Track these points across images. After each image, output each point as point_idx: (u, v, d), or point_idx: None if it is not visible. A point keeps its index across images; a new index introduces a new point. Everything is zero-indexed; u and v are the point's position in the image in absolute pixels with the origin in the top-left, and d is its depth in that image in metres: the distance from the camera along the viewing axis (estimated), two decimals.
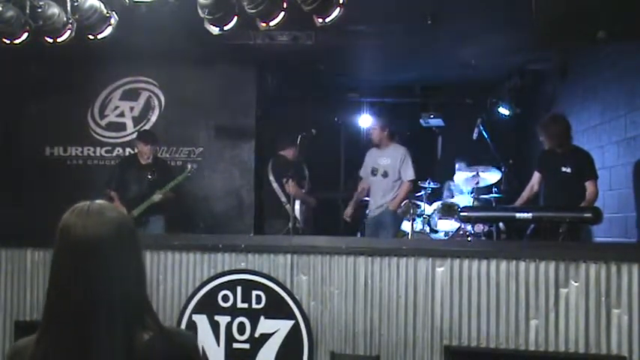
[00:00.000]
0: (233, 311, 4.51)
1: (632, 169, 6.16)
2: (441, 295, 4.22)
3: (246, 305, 4.50)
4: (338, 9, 4.57)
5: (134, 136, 7.73)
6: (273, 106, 8.34)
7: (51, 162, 7.95)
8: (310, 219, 7.44)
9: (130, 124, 8.00)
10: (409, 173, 7.02)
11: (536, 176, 6.09)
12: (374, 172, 7.15)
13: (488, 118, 8.04)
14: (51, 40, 5.13)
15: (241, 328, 4.49)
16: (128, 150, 7.80)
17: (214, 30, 4.90)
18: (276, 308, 4.46)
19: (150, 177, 6.80)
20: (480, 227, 6.43)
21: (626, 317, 3.90)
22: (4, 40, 5.14)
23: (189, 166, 6.93)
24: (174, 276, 4.65)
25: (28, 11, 5.03)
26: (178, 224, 7.05)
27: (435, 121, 9.45)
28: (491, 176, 7.27)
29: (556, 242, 4.93)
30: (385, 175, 7.07)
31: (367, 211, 7.30)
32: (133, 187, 6.85)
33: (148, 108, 8.01)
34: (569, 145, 5.96)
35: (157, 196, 6.66)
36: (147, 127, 7.94)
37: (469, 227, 6.54)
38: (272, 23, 4.72)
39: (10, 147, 7.67)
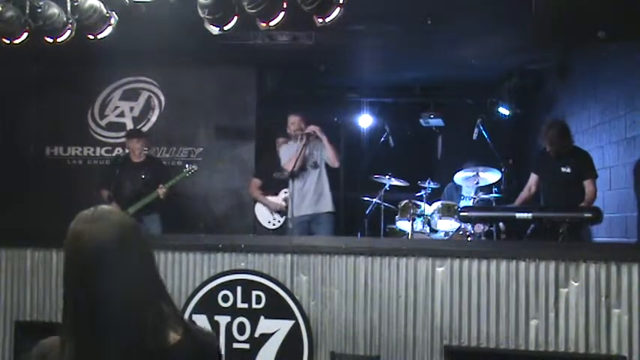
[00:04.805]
0: (233, 311, 4.50)
1: (632, 169, 6.17)
2: (441, 295, 4.22)
3: (246, 305, 4.49)
4: (338, 9, 4.57)
5: None
6: (273, 106, 8.34)
7: (51, 162, 7.95)
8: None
9: (130, 124, 8.00)
10: None
11: (534, 178, 6.09)
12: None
13: (488, 118, 8.02)
14: (51, 40, 5.13)
15: (241, 328, 4.49)
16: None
17: (214, 30, 4.91)
18: (276, 308, 4.45)
19: (143, 177, 6.76)
20: (479, 227, 6.41)
21: (626, 317, 3.90)
22: (4, 40, 5.14)
23: (187, 166, 6.83)
24: (174, 276, 4.65)
25: (28, 11, 5.03)
26: (177, 224, 7.02)
27: (435, 121, 9.44)
28: (491, 176, 7.27)
29: (556, 242, 4.94)
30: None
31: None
32: (127, 185, 6.79)
33: (148, 108, 8.02)
34: (569, 146, 5.98)
35: (161, 190, 6.58)
36: (147, 127, 7.95)
37: (469, 227, 6.53)
38: (272, 23, 4.72)
39: (10, 147, 7.67)
